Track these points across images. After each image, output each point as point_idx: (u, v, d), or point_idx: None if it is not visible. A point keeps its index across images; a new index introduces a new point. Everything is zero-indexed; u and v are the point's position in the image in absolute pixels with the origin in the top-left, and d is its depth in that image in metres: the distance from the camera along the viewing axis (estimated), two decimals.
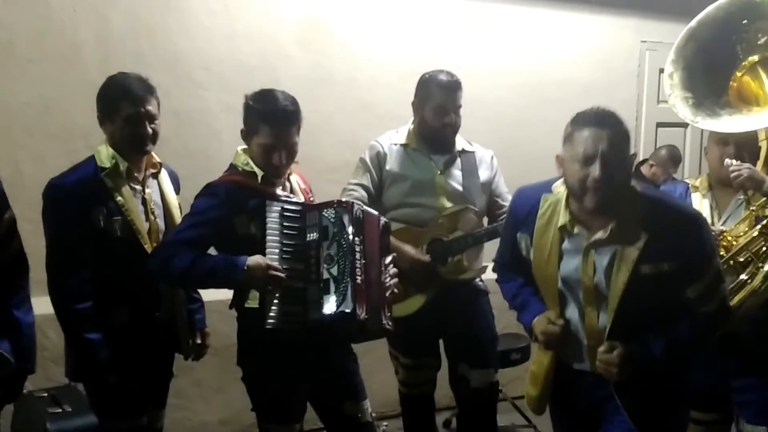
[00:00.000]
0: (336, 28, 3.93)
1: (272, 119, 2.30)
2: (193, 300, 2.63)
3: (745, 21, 2.67)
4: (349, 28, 3.96)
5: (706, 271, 1.98)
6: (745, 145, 2.66)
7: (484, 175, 3.00)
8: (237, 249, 2.27)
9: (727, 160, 2.56)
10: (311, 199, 2.53)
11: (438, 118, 2.87)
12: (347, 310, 2.18)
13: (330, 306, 2.20)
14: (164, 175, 2.53)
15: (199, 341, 2.64)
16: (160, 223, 2.45)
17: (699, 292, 1.98)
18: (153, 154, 2.46)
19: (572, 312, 2.09)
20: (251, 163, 2.37)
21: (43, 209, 2.33)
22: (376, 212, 2.48)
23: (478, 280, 3.02)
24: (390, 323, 2.39)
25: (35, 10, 3.32)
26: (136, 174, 2.40)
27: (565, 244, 2.03)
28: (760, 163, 2.71)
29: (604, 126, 1.90)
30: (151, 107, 2.36)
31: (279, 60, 3.74)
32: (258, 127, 2.32)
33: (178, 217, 2.48)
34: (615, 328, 1.98)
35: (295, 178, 2.53)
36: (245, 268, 2.18)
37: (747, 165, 2.51)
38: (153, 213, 2.42)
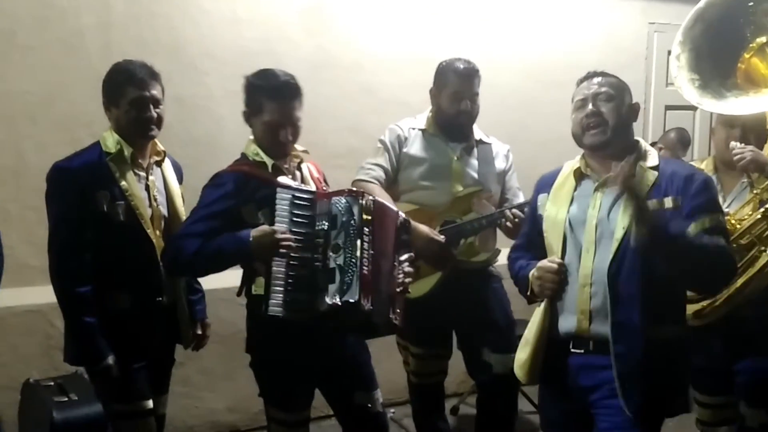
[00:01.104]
0: (339, 13, 3.90)
1: (277, 94, 2.32)
2: (193, 290, 2.63)
3: (752, 2, 2.64)
4: (352, 12, 3.92)
5: (706, 215, 2.01)
6: (752, 128, 2.64)
7: (499, 166, 3.02)
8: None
9: (732, 143, 2.53)
10: (324, 188, 2.50)
11: (453, 105, 2.89)
12: (351, 300, 2.16)
13: (335, 295, 2.18)
14: (168, 164, 2.54)
15: (199, 332, 2.64)
16: (163, 210, 2.46)
17: (697, 231, 1.98)
18: (157, 142, 2.46)
19: (571, 258, 2.12)
20: (261, 153, 2.37)
21: (46, 192, 2.35)
22: (395, 208, 2.46)
23: (490, 267, 3.00)
24: (398, 319, 2.35)
25: None
26: (140, 161, 2.42)
27: (577, 191, 2.17)
28: (767, 147, 2.68)
29: (595, 75, 2.18)
30: (156, 92, 2.38)
31: (282, 45, 3.71)
32: (262, 104, 2.33)
33: (180, 206, 2.50)
34: (615, 265, 2.01)
35: (307, 167, 2.51)
36: (250, 239, 2.18)
37: (751, 147, 2.49)
38: (155, 200, 2.43)
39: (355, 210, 2.24)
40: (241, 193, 2.30)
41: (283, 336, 2.26)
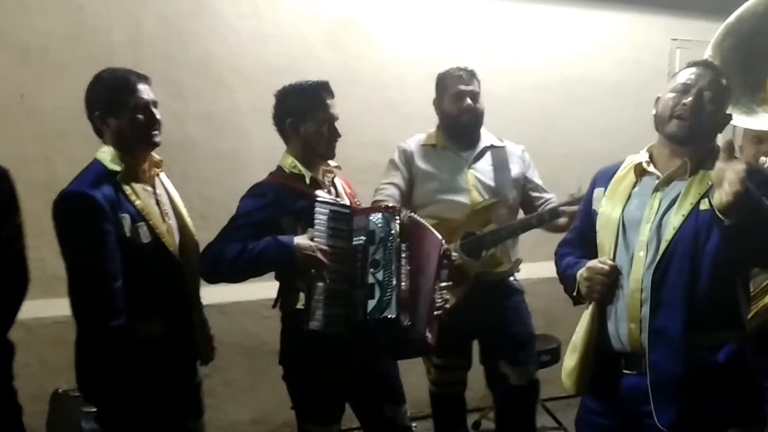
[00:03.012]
0: (363, 29, 3.94)
1: (322, 94, 2.39)
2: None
3: None
4: (376, 28, 3.97)
5: None
6: None
7: (515, 169, 3.01)
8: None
9: (763, 158, 2.53)
10: (357, 203, 2.54)
11: (455, 105, 2.93)
12: (390, 316, 2.16)
13: (374, 310, 2.18)
14: (164, 175, 2.40)
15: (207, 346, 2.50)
16: (173, 223, 2.31)
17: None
18: (153, 152, 2.31)
19: (622, 260, 1.99)
20: (299, 165, 2.39)
21: (60, 221, 2.11)
22: (438, 235, 2.45)
23: (512, 279, 3.00)
24: (432, 340, 2.35)
25: (69, 15, 3.38)
26: (144, 175, 2.27)
27: (636, 189, 2.03)
28: None
29: (710, 68, 2.01)
30: (153, 95, 2.25)
31: (307, 61, 3.76)
32: (308, 109, 2.38)
33: (187, 216, 2.39)
34: (660, 269, 1.89)
35: (339, 183, 2.54)
36: (294, 243, 2.18)
37: None
38: (166, 214, 2.29)
39: (393, 226, 2.25)
40: (280, 204, 2.31)
41: (319, 350, 2.26)
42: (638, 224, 1.98)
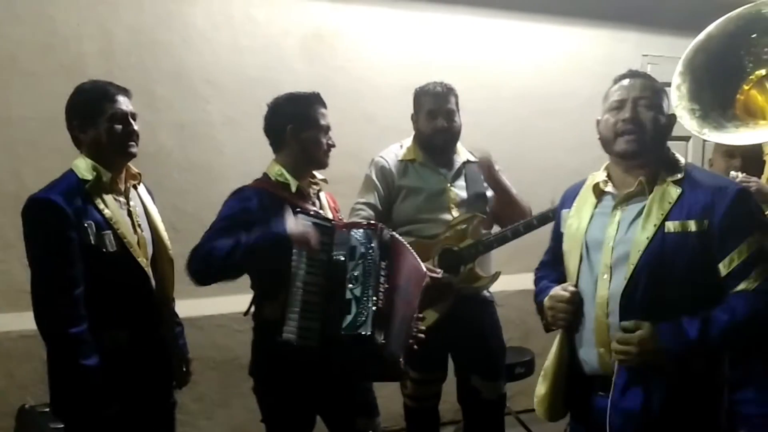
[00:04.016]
0: (340, 41, 3.94)
1: (319, 103, 2.44)
2: (176, 324, 2.49)
3: (755, 35, 2.66)
4: (352, 40, 3.97)
5: (741, 243, 1.78)
6: (751, 158, 2.67)
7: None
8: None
9: (733, 173, 2.56)
10: (339, 218, 2.54)
11: (429, 124, 2.92)
12: (365, 333, 2.15)
13: (349, 326, 2.17)
14: (142, 187, 2.41)
15: (184, 369, 2.49)
16: (147, 236, 2.31)
17: (732, 267, 1.78)
18: (130, 165, 2.33)
19: (586, 284, 1.95)
20: (285, 174, 2.39)
21: (26, 228, 2.13)
22: (423, 266, 2.44)
23: (485, 291, 3.01)
24: (405, 365, 2.36)
25: (40, 25, 3.34)
26: (118, 185, 2.27)
27: (598, 208, 2.00)
28: (765, 176, 2.71)
29: (636, 76, 1.97)
30: (131, 107, 2.27)
31: (282, 73, 3.75)
32: (310, 116, 2.42)
33: (163, 230, 2.39)
34: (627, 294, 1.83)
35: (324, 196, 2.55)
36: (286, 226, 2.17)
37: (755, 179, 2.52)
38: (139, 226, 2.29)
39: (374, 244, 2.24)
40: (264, 209, 2.30)
41: (289, 362, 2.25)
42: (600, 245, 1.93)
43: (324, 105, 2.48)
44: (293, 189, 2.38)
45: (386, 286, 2.24)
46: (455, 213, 2.91)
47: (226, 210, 2.34)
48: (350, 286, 2.20)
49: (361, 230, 2.27)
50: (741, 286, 1.79)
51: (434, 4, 4.14)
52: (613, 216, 1.94)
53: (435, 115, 2.90)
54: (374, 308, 2.17)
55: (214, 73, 3.68)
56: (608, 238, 1.91)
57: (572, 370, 2.00)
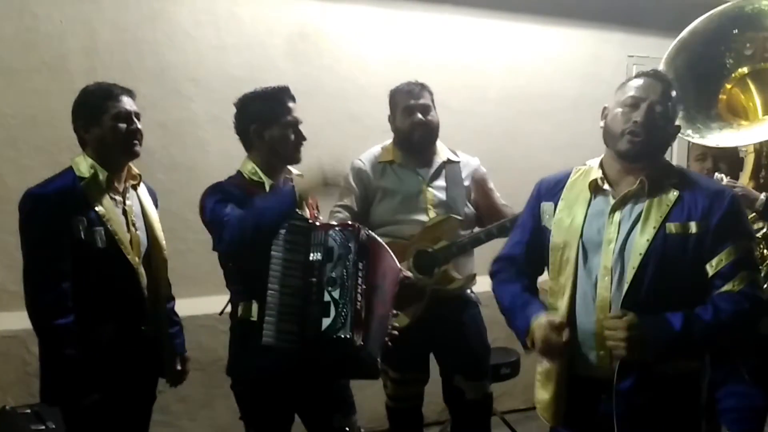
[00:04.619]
0: (325, 40, 3.93)
1: (285, 98, 2.39)
2: (171, 323, 2.56)
3: (736, 30, 2.67)
4: (337, 40, 3.96)
5: (731, 245, 1.82)
6: (722, 159, 2.69)
7: (467, 181, 3.01)
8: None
9: (718, 175, 2.57)
10: (316, 215, 2.52)
11: (406, 120, 2.90)
12: (344, 336, 2.16)
13: (328, 329, 2.17)
14: (143, 189, 2.48)
15: (179, 367, 2.56)
16: (141, 236, 2.38)
17: (720, 267, 1.83)
18: (132, 165, 2.41)
19: (584, 287, 1.92)
20: (259, 173, 2.38)
21: (20, 221, 2.22)
22: (397, 263, 2.43)
23: (468, 291, 3.00)
24: (384, 366, 2.39)
25: (22, 21, 3.30)
26: (116, 185, 2.34)
27: (591, 208, 1.95)
28: (745, 175, 2.72)
29: (659, 80, 1.92)
30: (135, 107, 2.34)
31: (267, 72, 3.72)
32: (272, 114, 2.37)
33: (159, 231, 2.45)
34: (630, 297, 1.83)
35: None
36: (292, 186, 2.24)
37: (741, 183, 2.53)
38: (134, 225, 2.35)
39: (352, 244, 2.23)
40: (239, 204, 2.28)
41: (267, 361, 2.24)
42: (598, 246, 1.91)
43: (291, 98, 2.42)
44: (267, 188, 2.36)
45: (363, 287, 2.24)
46: (432, 214, 2.89)
47: (206, 204, 2.32)
48: (329, 288, 2.20)
49: (339, 231, 2.26)
50: (726, 287, 1.82)
51: (420, 4, 4.13)
52: (612, 216, 1.91)
53: (411, 110, 2.89)
54: (353, 310, 2.17)
55: (198, 71, 3.65)
56: (608, 240, 1.89)
57: (572, 372, 1.97)
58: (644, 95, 1.88)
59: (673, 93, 1.92)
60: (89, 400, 2.18)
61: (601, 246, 1.90)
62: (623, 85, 1.96)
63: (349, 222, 2.41)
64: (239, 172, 2.43)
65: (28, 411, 2.70)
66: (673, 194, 1.87)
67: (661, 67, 2.75)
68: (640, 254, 1.83)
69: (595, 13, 4.58)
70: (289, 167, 2.47)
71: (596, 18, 4.62)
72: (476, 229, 3.03)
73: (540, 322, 1.94)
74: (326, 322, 2.17)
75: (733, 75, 2.70)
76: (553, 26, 4.54)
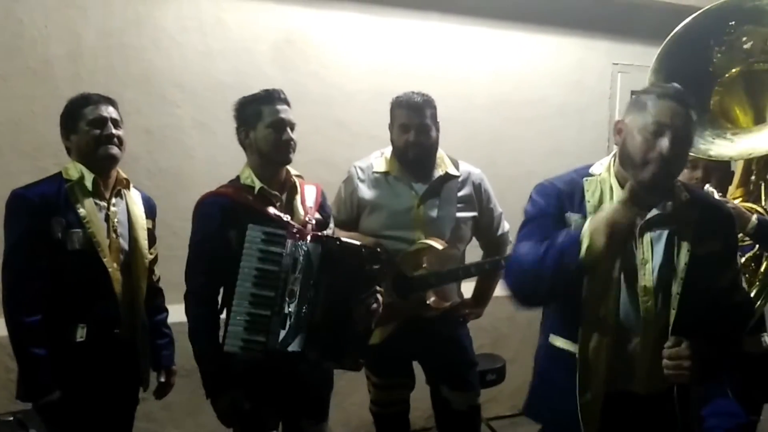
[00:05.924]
0: (311, 47, 3.92)
1: (271, 99, 2.39)
2: (161, 334, 2.58)
3: (733, 22, 2.60)
4: (324, 46, 3.96)
5: (734, 260, 2.00)
6: (714, 169, 2.67)
7: (466, 190, 2.92)
8: (231, 263, 2.27)
9: (709, 188, 2.56)
10: (309, 217, 2.47)
11: (401, 137, 2.81)
12: (297, 350, 2.22)
13: (282, 341, 2.23)
14: (134, 195, 2.50)
15: (162, 379, 2.59)
16: (122, 242, 2.41)
17: (730, 279, 1.96)
18: (119, 170, 2.45)
19: (627, 312, 1.89)
20: (253, 177, 2.39)
21: (4, 219, 2.31)
22: (357, 243, 2.43)
23: (455, 297, 2.96)
24: (360, 360, 2.40)
25: (6, 27, 3.28)
26: (103, 190, 2.39)
27: None
28: (735, 182, 2.73)
29: (683, 104, 1.80)
30: (114, 114, 2.39)
31: (253, 78, 3.71)
32: (256, 115, 2.38)
33: (143, 239, 2.46)
34: (679, 320, 1.85)
35: (311, 191, 2.54)
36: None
37: (733, 203, 2.50)
38: (115, 231, 2.38)
39: (314, 258, 2.26)
40: (227, 219, 2.32)
41: (244, 364, 2.27)
42: (633, 268, 1.89)
43: (280, 100, 2.41)
44: (256, 190, 2.37)
45: (327, 297, 2.27)
46: (421, 233, 2.81)
47: (197, 232, 2.38)
48: (288, 299, 2.23)
49: (308, 242, 2.28)
50: (736, 298, 2.00)
51: (407, 11, 4.14)
52: (643, 238, 1.90)
53: (407, 129, 2.79)
54: (307, 325, 2.22)
55: (183, 77, 3.64)
56: (644, 260, 1.89)
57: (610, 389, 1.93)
58: (669, 122, 1.77)
59: (694, 117, 1.84)
60: (51, 398, 2.23)
61: (636, 269, 1.89)
62: (643, 106, 1.82)
63: (320, 233, 2.40)
64: (237, 178, 2.45)
65: (11, 418, 2.66)
66: (692, 213, 1.90)
67: (653, 65, 2.69)
68: (681, 278, 1.87)
69: (580, 22, 4.60)
70: (288, 168, 2.47)
71: (581, 26, 4.65)
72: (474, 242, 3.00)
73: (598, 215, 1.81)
74: (282, 333, 2.22)
75: (726, 75, 2.66)
76: (538, 34, 4.56)
